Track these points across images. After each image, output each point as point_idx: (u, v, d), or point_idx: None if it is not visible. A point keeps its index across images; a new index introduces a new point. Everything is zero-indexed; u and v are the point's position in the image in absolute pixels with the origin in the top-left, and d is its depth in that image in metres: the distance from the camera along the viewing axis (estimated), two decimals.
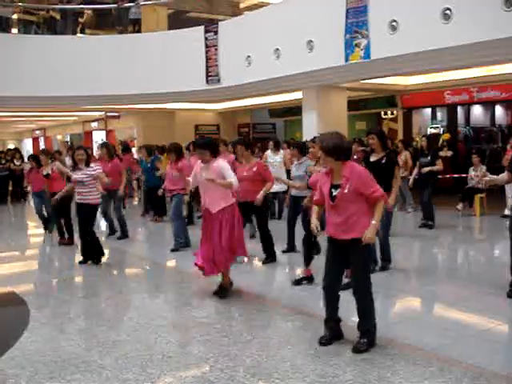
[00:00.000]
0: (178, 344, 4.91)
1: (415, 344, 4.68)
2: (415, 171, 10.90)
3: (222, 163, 6.19)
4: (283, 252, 8.44)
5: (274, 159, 11.47)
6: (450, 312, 5.79)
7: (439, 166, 10.33)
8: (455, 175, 13.97)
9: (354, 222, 4.47)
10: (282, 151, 12.01)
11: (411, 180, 10.93)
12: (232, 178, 6.11)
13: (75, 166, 8.08)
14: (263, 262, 8.00)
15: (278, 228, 9.10)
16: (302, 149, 8.04)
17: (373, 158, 7.15)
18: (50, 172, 9.96)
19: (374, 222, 4.46)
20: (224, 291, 6.25)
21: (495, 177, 6.42)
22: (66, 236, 9.90)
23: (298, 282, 6.72)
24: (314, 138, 7.57)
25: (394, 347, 4.60)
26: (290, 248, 8.51)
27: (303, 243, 6.72)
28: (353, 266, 4.63)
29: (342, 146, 4.50)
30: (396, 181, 6.99)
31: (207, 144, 6.20)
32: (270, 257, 8.05)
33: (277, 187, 10.89)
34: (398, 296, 6.40)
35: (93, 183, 8.04)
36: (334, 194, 4.51)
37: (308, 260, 6.65)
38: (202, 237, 6.32)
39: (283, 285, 7.22)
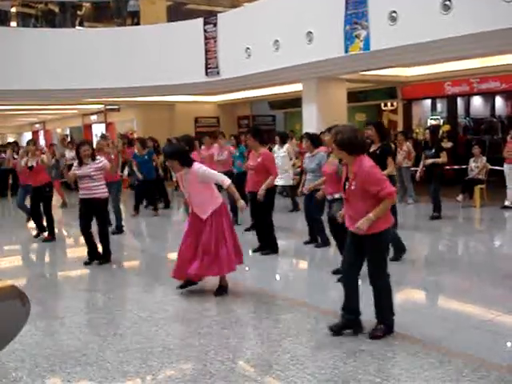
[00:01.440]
0: (179, 336, 4.92)
1: (415, 335, 4.68)
2: (421, 165, 10.75)
3: (198, 169, 5.85)
4: (305, 243, 8.39)
5: (278, 153, 11.43)
6: (451, 303, 5.80)
7: (443, 158, 10.28)
8: (455, 166, 13.94)
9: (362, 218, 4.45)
10: (286, 145, 11.94)
11: (418, 174, 10.76)
12: (220, 176, 5.93)
13: (81, 162, 7.72)
14: (254, 250, 7.97)
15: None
16: (314, 141, 7.97)
17: (371, 149, 7.26)
18: (34, 164, 9.84)
19: (370, 215, 4.38)
20: (220, 290, 6.12)
21: None
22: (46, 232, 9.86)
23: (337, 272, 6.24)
24: (330, 128, 7.57)
25: (395, 338, 4.60)
26: (313, 239, 8.42)
27: (333, 236, 6.79)
28: (367, 257, 4.64)
29: (356, 141, 4.47)
30: (389, 170, 7.12)
31: (174, 153, 5.91)
32: (264, 248, 7.97)
33: (281, 181, 10.86)
34: (398, 287, 6.36)
35: (100, 177, 7.79)
36: (346, 186, 4.56)
37: (342, 249, 6.53)
38: (186, 241, 6.01)
39: (284, 277, 7.23)
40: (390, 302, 4.67)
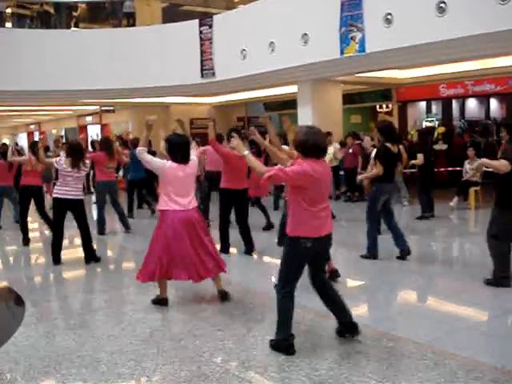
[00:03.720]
0: (173, 338, 4.91)
1: (410, 337, 4.69)
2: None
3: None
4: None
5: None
6: (444, 305, 5.81)
7: (419, 159, 10.42)
8: (450, 168, 13.98)
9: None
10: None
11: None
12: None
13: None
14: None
15: None
16: None
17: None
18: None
19: (245, 152, 4.54)
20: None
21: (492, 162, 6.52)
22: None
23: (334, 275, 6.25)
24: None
25: (389, 340, 4.61)
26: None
27: None
28: None
29: (307, 145, 4.26)
30: (372, 172, 7.69)
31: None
32: (249, 248, 8.07)
33: None
34: (392, 289, 6.40)
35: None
36: None
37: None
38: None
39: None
40: (280, 321, 4.42)
